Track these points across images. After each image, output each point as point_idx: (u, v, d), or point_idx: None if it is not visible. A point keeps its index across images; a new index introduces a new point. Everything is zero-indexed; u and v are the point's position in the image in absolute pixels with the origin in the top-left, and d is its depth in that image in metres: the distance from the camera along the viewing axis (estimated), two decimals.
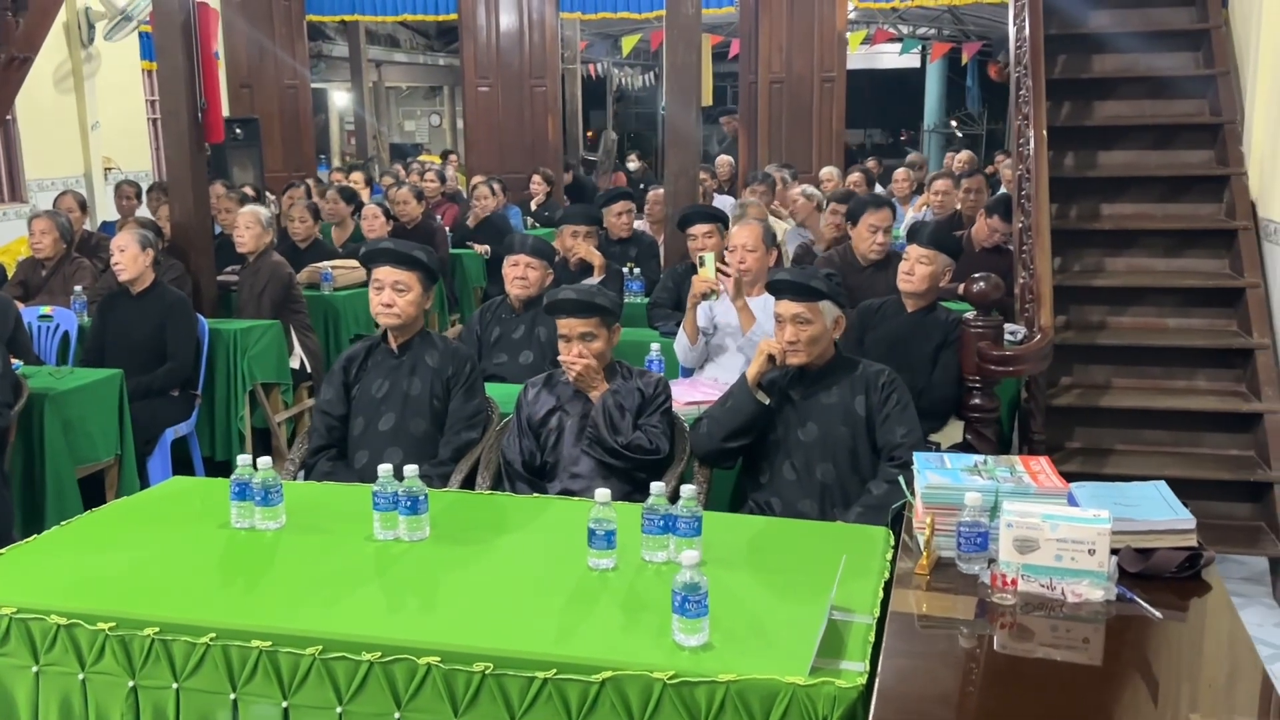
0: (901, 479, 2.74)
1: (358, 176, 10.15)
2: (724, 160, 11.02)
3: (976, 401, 4.01)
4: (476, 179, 9.67)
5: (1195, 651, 2.15)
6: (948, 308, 4.23)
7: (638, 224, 6.65)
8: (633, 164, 14.43)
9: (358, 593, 2.38)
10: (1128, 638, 2.12)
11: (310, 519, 2.76)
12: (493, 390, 3.78)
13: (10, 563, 2.52)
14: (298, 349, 5.77)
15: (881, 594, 2.31)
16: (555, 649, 2.08)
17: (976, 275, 4.04)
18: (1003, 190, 9.06)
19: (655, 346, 4.17)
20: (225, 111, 8.96)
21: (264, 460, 2.70)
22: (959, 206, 7.14)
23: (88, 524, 2.78)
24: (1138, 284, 5.00)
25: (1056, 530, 2.21)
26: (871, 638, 2.10)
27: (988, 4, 15.40)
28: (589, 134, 17.28)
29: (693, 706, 1.98)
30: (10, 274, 6.34)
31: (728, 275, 4.28)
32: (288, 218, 6.82)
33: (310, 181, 10.24)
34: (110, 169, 9.57)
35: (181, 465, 5.10)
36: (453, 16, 11.92)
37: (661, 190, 7.21)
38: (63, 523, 2.77)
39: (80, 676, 2.26)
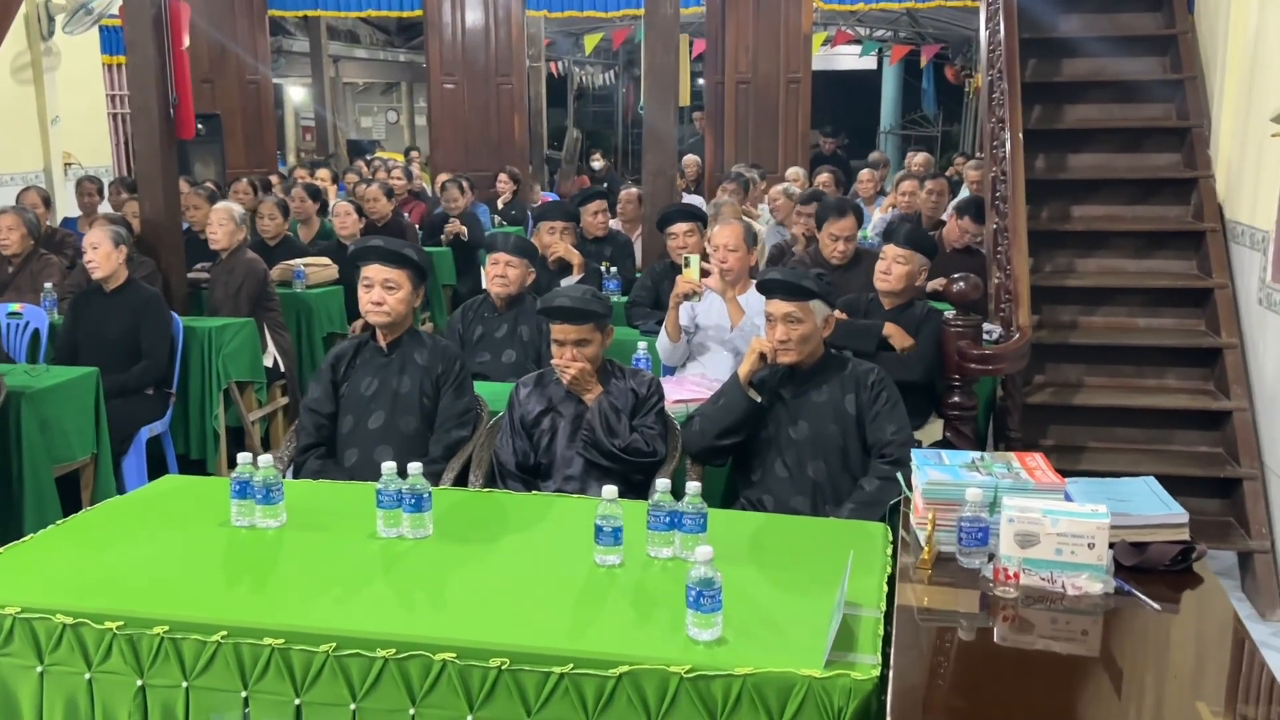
0: (900, 475, 2.78)
1: (324, 173, 10.08)
2: (691, 160, 11.06)
3: (956, 399, 4.08)
4: (443, 177, 9.64)
5: (1194, 641, 2.21)
6: (927, 305, 4.30)
7: (611, 223, 6.66)
8: (597, 163, 14.44)
9: (367, 590, 2.38)
10: (1128, 629, 2.18)
11: (309, 517, 2.75)
12: (476, 389, 3.78)
13: (10, 562, 2.50)
14: (271, 347, 5.73)
15: (885, 588, 2.35)
16: (570, 644, 2.09)
17: (956, 275, 4.11)
18: (964, 191, 9.20)
19: (642, 345, 4.19)
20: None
21: (265, 458, 2.69)
22: (921, 208, 7.23)
23: (83, 523, 2.75)
24: (1108, 284, 5.10)
25: (1057, 525, 2.26)
26: (881, 631, 2.14)
27: (947, 7, 15.58)
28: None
29: (709, 700, 2.00)
30: None
31: (708, 274, 4.31)
32: (257, 215, 6.76)
33: (274, 178, 10.17)
34: (70, 164, 9.43)
35: (156, 464, 5.05)
36: (418, 13, 11.85)
37: (634, 190, 7.25)
38: (57, 522, 2.75)
39: (86, 676, 2.25)
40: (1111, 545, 2.31)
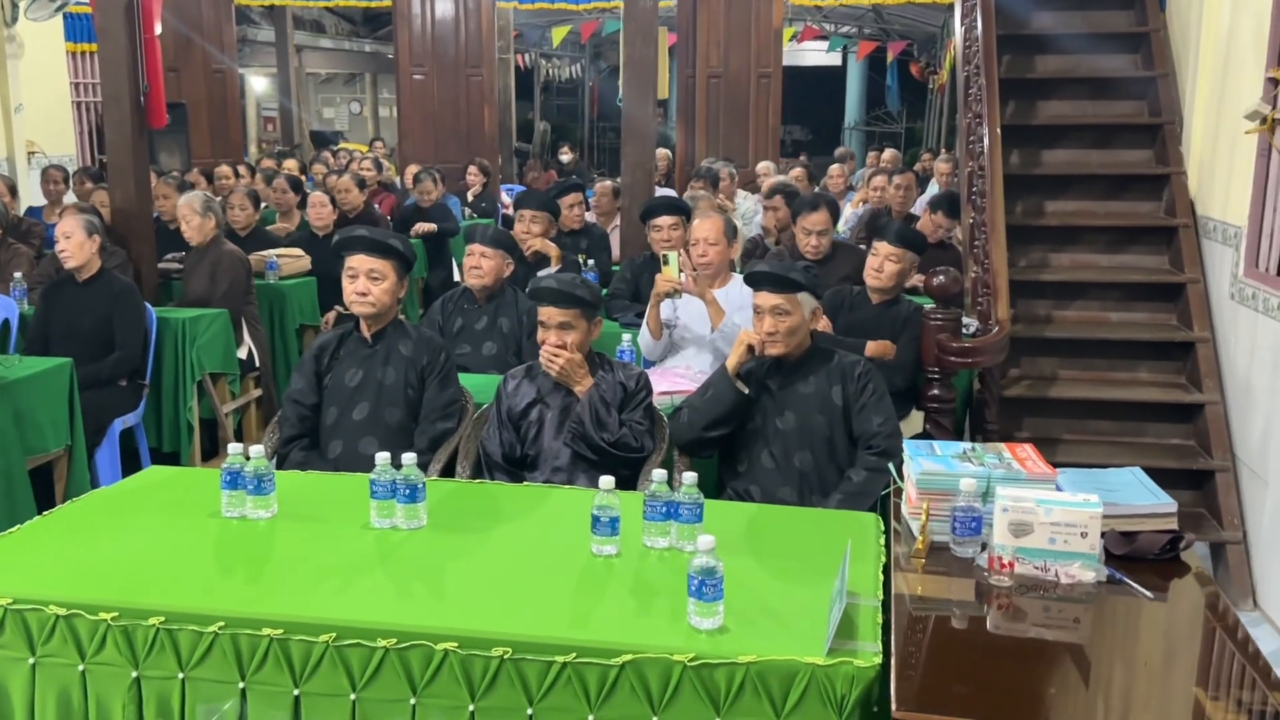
0: (892, 465, 2.80)
1: (291, 164, 9.99)
2: (662, 154, 11.05)
3: (935, 392, 4.12)
4: (413, 169, 9.58)
5: (1186, 627, 2.24)
6: (909, 300, 4.34)
7: (586, 216, 6.65)
8: (565, 156, 14.41)
9: (364, 580, 2.37)
10: (1121, 616, 2.22)
11: (300, 508, 2.73)
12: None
13: None
14: (246, 339, 5.68)
15: (881, 578, 2.37)
16: (572, 633, 2.10)
17: (937, 269, 4.15)
18: (932, 186, 9.28)
19: (626, 338, 4.19)
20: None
21: (256, 449, 2.67)
22: (890, 202, 7.28)
23: (70, 514, 2.72)
24: (1082, 279, 5.16)
25: (1050, 514, 2.29)
26: (880, 619, 2.16)
27: (913, 4, 15.69)
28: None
29: (712, 688, 2.01)
30: None
31: (692, 273, 4.30)
32: (228, 205, 6.69)
33: (241, 168, 10.06)
34: (34, 153, 9.30)
35: (128, 457, 4.99)
36: (386, 3, 11.77)
37: (609, 183, 7.25)
38: (44, 513, 2.71)
39: (80, 668, 2.22)
40: (1102, 535, 2.35)
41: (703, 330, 4.29)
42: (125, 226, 5.77)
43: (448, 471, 3.42)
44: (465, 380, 3.88)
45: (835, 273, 4.96)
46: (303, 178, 9.54)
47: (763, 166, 9.78)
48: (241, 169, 9.86)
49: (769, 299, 3.25)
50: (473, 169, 10.21)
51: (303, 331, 6.38)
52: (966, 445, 2.66)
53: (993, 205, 4.62)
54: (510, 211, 8.89)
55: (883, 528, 2.67)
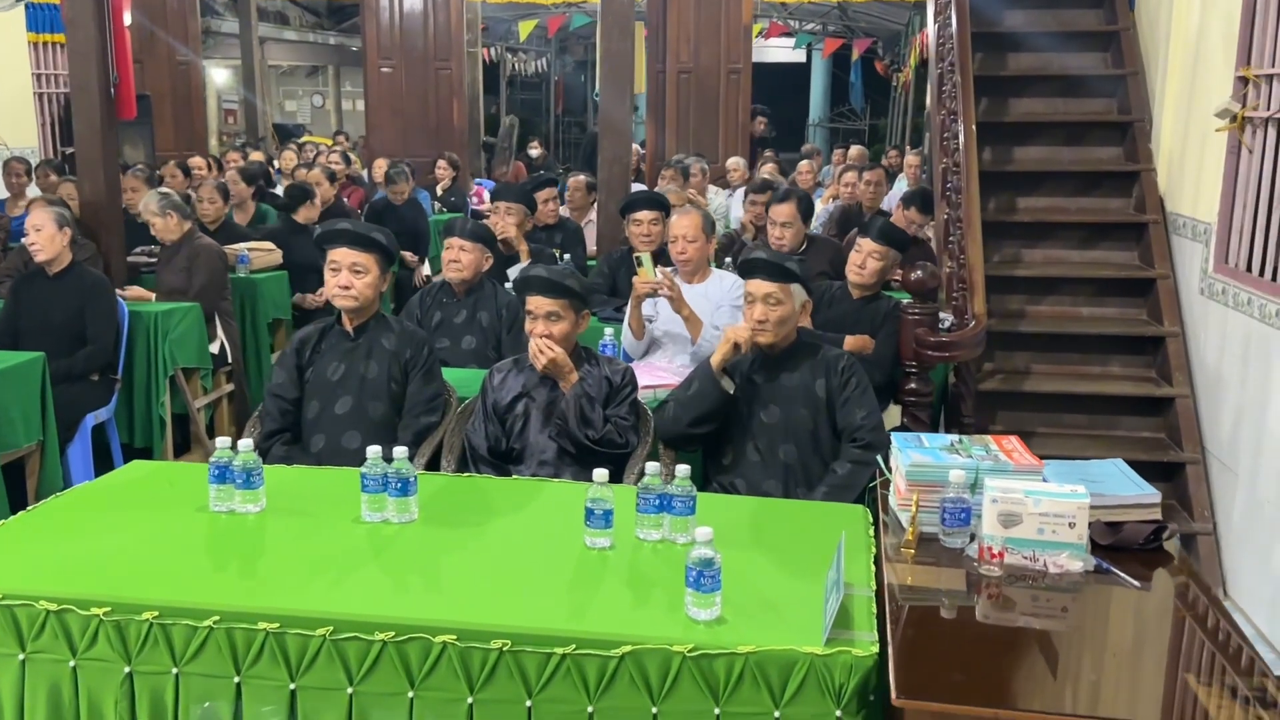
0: (880, 458, 2.83)
1: (257, 156, 9.90)
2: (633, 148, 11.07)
3: (913, 386, 4.15)
4: (381, 163, 9.52)
5: (1172, 615, 2.29)
6: (889, 296, 4.37)
7: (560, 210, 6.64)
8: (534, 150, 14.37)
9: (358, 574, 2.36)
10: (1108, 605, 2.25)
11: (288, 502, 2.72)
12: None
13: None
14: (220, 334, 5.63)
15: (872, 569, 2.39)
16: (570, 625, 2.10)
17: (915, 264, 4.18)
18: (900, 181, 9.34)
19: (609, 332, 4.19)
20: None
21: (244, 442, 2.65)
22: (860, 198, 7.32)
23: (55, 509, 2.69)
24: (1054, 274, 5.23)
25: (1039, 505, 2.32)
26: (874, 609, 2.18)
27: (878, 2, 15.79)
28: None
29: (711, 678, 2.03)
30: None
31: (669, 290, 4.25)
32: (196, 199, 6.62)
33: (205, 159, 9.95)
34: None
35: (100, 452, 4.94)
36: None
37: (582, 177, 7.24)
38: (29, 508, 2.68)
39: (71, 664, 2.20)
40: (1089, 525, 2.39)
41: (683, 329, 4.29)
42: (94, 219, 5.69)
43: (432, 465, 3.41)
44: (445, 374, 3.86)
45: (812, 266, 4.98)
46: (271, 169, 9.46)
47: (733, 162, 9.80)
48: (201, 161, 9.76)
49: (762, 286, 3.27)
50: (442, 163, 10.16)
51: (275, 326, 6.33)
52: (954, 438, 2.69)
53: (969, 201, 4.67)
54: (481, 205, 8.88)
55: (871, 520, 2.69)
